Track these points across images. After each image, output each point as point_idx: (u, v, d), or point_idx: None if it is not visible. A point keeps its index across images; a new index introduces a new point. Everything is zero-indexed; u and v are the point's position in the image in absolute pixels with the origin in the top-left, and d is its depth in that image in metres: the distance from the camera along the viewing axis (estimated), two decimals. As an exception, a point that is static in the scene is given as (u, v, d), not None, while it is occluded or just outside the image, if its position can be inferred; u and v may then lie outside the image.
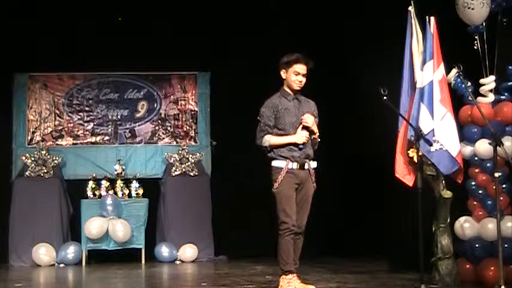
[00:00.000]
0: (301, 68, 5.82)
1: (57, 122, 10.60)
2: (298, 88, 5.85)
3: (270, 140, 5.77)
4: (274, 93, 5.96)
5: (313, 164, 5.86)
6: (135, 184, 10.23)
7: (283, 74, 5.87)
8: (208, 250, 10.14)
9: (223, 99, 10.43)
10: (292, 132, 5.77)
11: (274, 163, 5.78)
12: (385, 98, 5.74)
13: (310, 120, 5.78)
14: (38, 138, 10.48)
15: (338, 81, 9.85)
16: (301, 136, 5.76)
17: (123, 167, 10.34)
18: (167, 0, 9.85)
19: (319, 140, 5.91)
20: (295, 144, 5.75)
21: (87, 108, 10.69)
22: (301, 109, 5.84)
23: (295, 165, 5.74)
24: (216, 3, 9.78)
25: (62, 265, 9.60)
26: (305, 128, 5.78)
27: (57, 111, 10.61)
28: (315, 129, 5.84)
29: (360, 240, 9.53)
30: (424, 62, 6.39)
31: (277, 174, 5.71)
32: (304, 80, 5.84)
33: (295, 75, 5.81)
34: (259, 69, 9.20)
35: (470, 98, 6.49)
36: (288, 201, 5.71)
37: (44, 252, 9.61)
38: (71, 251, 9.68)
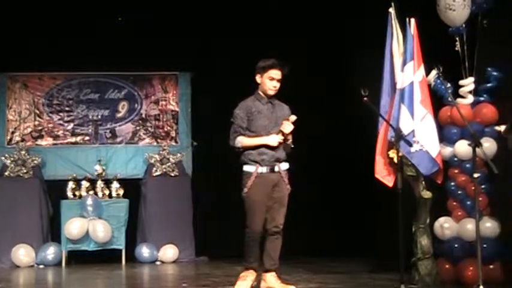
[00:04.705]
0: (276, 73, 5.91)
1: (37, 122, 10.53)
2: (272, 93, 5.96)
3: (242, 141, 5.87)
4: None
5: (285, 166, 5.97)
6: (115, 184, 10.19)
7: (258, 78, 5.98)
8: (189, 251, 10.11)
9: (204, 99, 10.41)
10: (264, 135, 5.84)
11: (245, 168, 5.92)
12: (365, 98, 5.76)
13: (288, 128, 5.85)
14: (18, 138, 10.40)
15: (324, 82, 9.89)
16: (274, 138, 5.82)
17: (104, 168, 10.29)
18: (148, 0, 9.82)
19: (292, 146, 6.00)
20: (267, 146, 5.82)
21: (67, 108, 10.62)
22: (275, 113, 5.94)
23: (265, 169, 5.85)
24: (198, 3, 9.76)
25: (41, 266, 9.52)
26: (280, 132, 5.85)
27: (37, 111, 10.54)
28: (289, 137, 5.93)
29: (340, 241, 9.55)
30: (404, 63, 6.43)
31: (247, 179, 5.84)
32: (278, 85, 5.95)
33: (270, 80, 5.91)
34: (240, 70, 9.19)
35: (450, 99, 6.54)
36: (256, 208, 5.85)
37: (23, 253, 9.54)
38: (50, 252, 9.61)
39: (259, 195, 5.84)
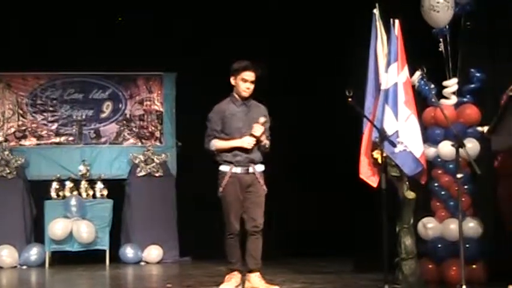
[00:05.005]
0: (249, 75, 6.03)
1: (20, 122, 10.48)
2: (246, 95, 6.07)
3: (216, 144, 6.02)
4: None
5: (260, 168, 6.07)
6: (99, 185, 10.14)
7: (232, 80, 6.11)
8: (173, 251, 10.10)
9: (189, 100, 10.40)
10: (238, 137, 5.92)
11: (220, 168, 6.04)
12: (350, 99, 5.78)
13: (258, 131, 5.93)
14: (1, 138, 10.32)
15: (310, 80, 9.93)
16: (246, 141, 5.90)
17: (88, 168, 10.24)
18: (133, 1, 9.80)
19: (268, 145, 6.07)
20: (241, 149, 5.88)
21: (51, 109, 10.58)
22: (250, 114, 6.04)
23: (239, 170, 5.98)
24: (182, 3, 9.75)
25: (24, 267, 9.48)
26: (253, 135, 5.91)
27: (21, 111, 10.49)
28: (263, 138, 6.01)
29: (325, 241, 9.57)
30: (388, 64, 6.45)
31: (222, 179, 6.00)
32: (252, 87, 6.06)
33: (243, 82, 6.02)
34: (225, 71, 9.19)
35: (433, 100, 6.57)
36: (232, 207, 5.98)
37: (6, 254, 9.48)
38: (34, 253, 9.57)
39: (234, 195, 5.97)
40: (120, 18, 10.22)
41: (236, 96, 6.11)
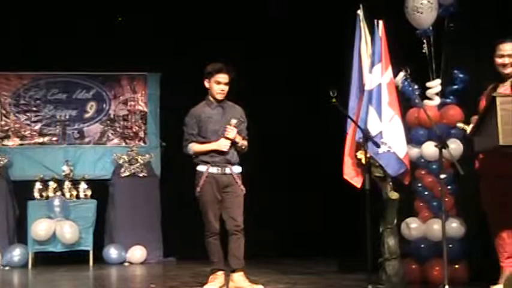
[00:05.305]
0: (223, 77, 6.09)
1: (3, 122, 10.41)
2: (220, 97, 6.14)
3: (193, 147, 6.10)
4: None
5: (237, 169, 6.11)
6: (83, 185, 10.10)
7: (206, 83, 6.19)
8: (157, 252, 10.08)
9: (173, 100, 10.38)
10: (214, 139, 5.97)
11: (197, 168, 6.12)
12: (334, 100, 5.79)
13: (232, 133, 6.00)
14: (-16, 138, 10.30)
15: (297, 81, 9.95)
16: (222, 144, 5.94)
17: (71, 168, 10.20)
18: (120, 1, 9.77)
19: (244, 146, 6.12)
20: (218, 150, 5.92)
21: (34, 109, 10.51)
22: (226, 116, 6.07)
23: (215, 170, 6.04)
24: (167, 3, 9.73)
25: (7, 268, 9.42)
26: (227, 138, 5.96)
27: (4, 111, 10.42)
28: (238, 140, 6.08)
29: (309, 242, 9.59)
30: (372, 65, 6.47)
31: (199, 178, 6.06)
32: (226, 88, 6.12)
33: (217, 84, 6.08)
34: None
35: (417, 101, 6.60)
36: (209, 206, 6.05)
37: (-12, 255, 9.45)
38: (16, 253, 9.50)
39: (211, 195, 6.03)
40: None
41: (211, 98, 6.18)
